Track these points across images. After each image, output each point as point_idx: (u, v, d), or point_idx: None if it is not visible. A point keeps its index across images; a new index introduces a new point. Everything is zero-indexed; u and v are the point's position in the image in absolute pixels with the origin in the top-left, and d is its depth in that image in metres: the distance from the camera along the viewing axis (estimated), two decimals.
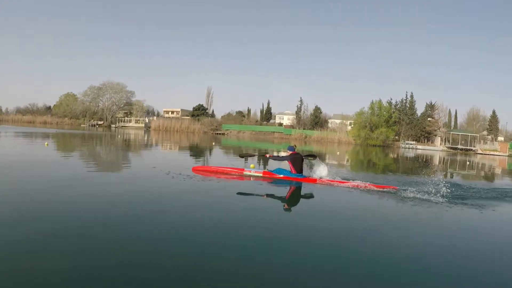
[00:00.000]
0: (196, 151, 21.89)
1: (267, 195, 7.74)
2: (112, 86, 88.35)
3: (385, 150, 43.90)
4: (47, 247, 3.74)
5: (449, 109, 70.96)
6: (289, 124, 76.12)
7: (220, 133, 70.25)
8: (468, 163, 29.05)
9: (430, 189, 8.42)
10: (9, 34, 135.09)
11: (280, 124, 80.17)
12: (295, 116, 76.53)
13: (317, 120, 67.90)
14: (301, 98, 77.52)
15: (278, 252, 4.05)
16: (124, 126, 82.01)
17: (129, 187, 7.57)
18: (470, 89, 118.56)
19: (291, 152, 9.90)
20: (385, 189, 8.80)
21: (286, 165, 10.16)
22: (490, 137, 66.43)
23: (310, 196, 8.10)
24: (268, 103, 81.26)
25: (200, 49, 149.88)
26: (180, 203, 6.31)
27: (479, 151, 56.86)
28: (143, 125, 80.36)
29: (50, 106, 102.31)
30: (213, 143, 32.82)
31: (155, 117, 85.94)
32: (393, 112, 60.34)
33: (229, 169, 10.36)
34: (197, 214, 5.51)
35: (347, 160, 22.99)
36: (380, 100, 60.86)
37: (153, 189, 7.47)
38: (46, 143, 17.66)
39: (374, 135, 56.74)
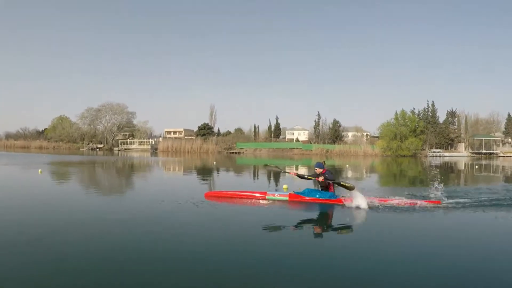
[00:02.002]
0: (213, 173, 20.05)
1: (297, 225, 6.40)
2: (112, 107, 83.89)
3: (416, 160, 42.54)
4: None
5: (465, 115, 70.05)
6: (306, 139, 73.45)
7: (234, 152, 66.77)
8: (497, 167, 29.25)
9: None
10: None
11: (292, 140, 77.43)
12: (308, 131, 74.10)
13: (337, 134, 65.42)
14: (318, 112, 74.06)
15: None
16: (128, 149, 77.39)
17: (127, 216, 6.75)
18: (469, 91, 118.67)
19: (321, 169, 8.50)
20: (427, 204, 8.03)
21: (311, 184, 9.06)
22: (510, 139, 67.01)
23: (350, 220, 6.92)
24: (277, 119, 78.28)
25: (197, 68, 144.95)
26: (186, 240, 5.22)
27: (501, 154, 59.16)
28: (149, 147, 75.98)
29: (42, 130, 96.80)
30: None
31: (160, 138, 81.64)
32: (419, 121, 58.93)
33: (249, 194, 8.94)
34: (208, 255, 4.50)
35: (394, 175, 21.14)
36: (403, 110, 59.55)
37: (156, 222, 6.33)
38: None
39: (405, 146, 55.28)
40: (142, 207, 7.89)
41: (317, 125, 68.51)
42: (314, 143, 66.88)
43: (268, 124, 79.20)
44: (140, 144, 79.27)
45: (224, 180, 15.98)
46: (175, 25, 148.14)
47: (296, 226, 6.25)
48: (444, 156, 55.92)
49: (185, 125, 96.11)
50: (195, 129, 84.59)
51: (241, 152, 66.73)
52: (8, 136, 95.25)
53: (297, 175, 9.32)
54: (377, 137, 70.95)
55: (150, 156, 48.77)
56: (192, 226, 6.06)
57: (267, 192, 8.87)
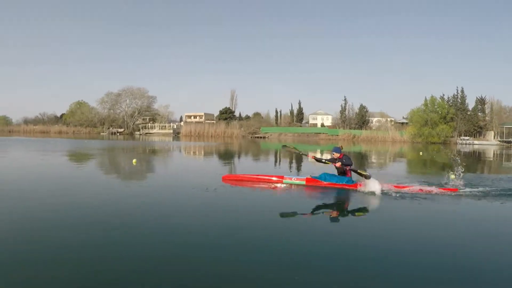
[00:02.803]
0: (235, 157, 19.94)
1: (312, 211, 6.27)
2: (132, 91, 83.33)
3: (446, 147, 41.59)
4: None
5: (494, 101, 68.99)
6: (329, 124, 72.97)
7: (259, 137, 66.51)
8: None
9: None
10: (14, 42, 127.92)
11: (315, 125, 76.98)
12: (331, 116, 73.46)
13: (364, 119, 64.89)
14: (345, 97, 73.47)
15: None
16: (149, 133, 77.27)
17: (145, 199, 6.72)
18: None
19: (339, 154, 8.44)
20: (445, 192, 7.83)
21: (332, 168, 8.80)
22: None
23: (364, 206, 6.90)
24: (299, 103, 77.81)
25: (219, 50, 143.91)
26: (202, 221, 5.17)
27: None
28: (171, 131, 75.84)
29: (60, 115, 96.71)
30: (281, 150, 29.17)
31: (182, 123, 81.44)
32: (449, 108, 58.14)
33: (266, 177, 8.91)
34: (224, 236, 4.48)
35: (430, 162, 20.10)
36: (433, 96, 58.78)
37: (169, 204, 6.43)
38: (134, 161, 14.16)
39: (435, 133, 54.68)
40: (164, 190, 7.91)
41: (343, 110, 67.90)
42: (340, 128, 66.37)
43: (290, 108, 78.85)
44: (161, 129, 79.08)
45: (246, 164, 15.88)
46: (194, 11, 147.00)
47: (311, 212, 6.14)
48: (473, 144, 55.32)
49: (204, 109, 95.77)
50: (216, 113, 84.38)
51: (266, 136, 66.47)
52: (26, 122, 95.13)
53: (315, 158, 9.15)
54: (403, 123, 70.40)
55: (172, 140, 48.35)
56: (207, 209, 5.99)
57: (284, 176, 8.85)
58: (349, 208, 6.86)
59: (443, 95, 61.20)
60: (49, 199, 6.48)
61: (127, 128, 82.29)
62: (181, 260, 3.62)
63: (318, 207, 6.67)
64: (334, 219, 5.81)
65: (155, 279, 3.14)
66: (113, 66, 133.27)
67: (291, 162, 16.02)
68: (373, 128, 66.46)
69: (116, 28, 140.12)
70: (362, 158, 20.16)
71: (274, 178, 8.80)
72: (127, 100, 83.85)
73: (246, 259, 3.71)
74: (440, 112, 56.90)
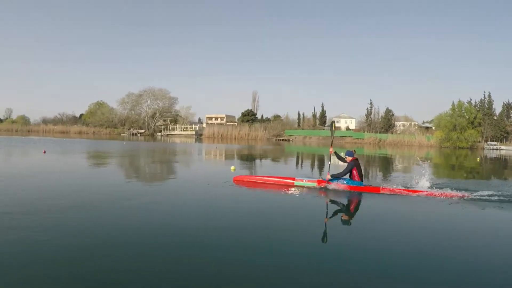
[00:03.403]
0: (257, 160, 19.80)
1: (321, 213, 6.58)
2: (153, 92, 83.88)
3: (474, 153, 41.43)
4: None
5: None
6: (353, 128, 73.08)
7: (283, 139, 66.72)
8: None
9: None
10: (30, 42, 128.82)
11: (338, 128, 77.03)
12: (354, 119, 73.51)
13: (390, 123, 64.97)
14: (371, 100, 73.12)
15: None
16: (170, 135, 77.62)
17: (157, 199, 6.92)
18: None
19: (351, 158, 8.54)
20: (454, 197, 7.77)
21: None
22: None
23: (375, 208, 6.99)
24: (322, 106, 77.96)
25: (241, 52, 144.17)
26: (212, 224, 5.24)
27: None
28: (193, 133, 76.16)
29: (79, 115, 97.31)
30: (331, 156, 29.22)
31: (204, 124, 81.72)
32: (477, 113, 58.09)
33: (277, 179, 9.01)
34: (232, 238, 4.57)
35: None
36: (460, 101, 58.74)
37: (180, 204, 6.63)
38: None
39: (463, 137, 54.68)
40: (180, 190, 8.24)
41: (369, 113, 67.98)
42: (366, 131, 66.47)
43: (313, 111, 78.94)
44: (183, 130, 79.41)
45: (266, 166, 16.00)
46: (211, 12, 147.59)
47: (322, 214, 6.32)
48: (500, 149, 55.22)
49: (225, 111, 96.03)
50: (237, 115, 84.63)
51: (291, 139, 66.68)
52: (45, 121, 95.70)
53: (335, 153, 9.20)
54: (427, 127, 70.43)
55: (195, 142, 48.11)
56: (214, 210, 6.12)
57: (296, 178, 8.89)
58: (358, 210, 7.02)
59: (470, 99, 61.18)
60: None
61: (147, 129, 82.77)
62: (178, 260, 3.69)
63: (326, 210, 6.87)
64: (343, 221, 5.92)
65: (155, 279, 3.23)
66: (128, 67, 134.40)
67: (312, 165, 16.13)
68: (398, 132, 66.44)
69: (131, 28, 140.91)
70: (436, 168, 20.08)
71: (285, 180, 8.89)
72: (148, 101, 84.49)
73: (245, 260, 3.78)
74: (468, 117, 56.85)
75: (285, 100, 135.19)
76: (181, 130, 79.41)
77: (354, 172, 8.41)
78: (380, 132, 65.12)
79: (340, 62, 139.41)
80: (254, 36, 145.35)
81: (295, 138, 67.09)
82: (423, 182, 8.76)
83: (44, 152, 18.13)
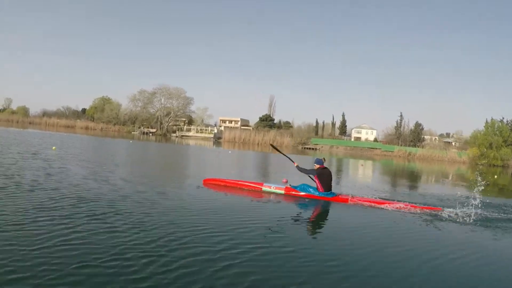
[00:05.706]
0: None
1: (285, 221, 6.40)
2: (168, 91, 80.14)
3: (508, 171, 41.13)
4: None
5: None
6: (374, 139, 72.16)
7: (309, 148, 64.87)
8: None
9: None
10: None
11: (358, 139, 76.07)
12: (375, 130, 72.66)
13: (419, 137, 64.33)
14: (401, 113, 71.26)
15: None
16: (185, 136, 74.43)
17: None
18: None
19: (318, 166, 8.40)
20: (427, 211, 7.80)
21: (311, 180, 8.73)
22: None
23: (339, 219, 7.05)
24: (343, 115, 76.63)
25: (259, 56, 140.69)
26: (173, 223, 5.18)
27: None
28: (212, 135, 73.22)
29: (82, 110, 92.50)
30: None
31: (222, 127, 78.86)
32: (510, 132, 58.46)
33: (246, 183, 9.07)
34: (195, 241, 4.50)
35: None
36: (493, 119, 59.14)
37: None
38: None
39: (499, 155, 54.99)
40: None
41: (398, 126, 67.13)
42: (394, 144, 65.61)
43: (332, 120, 77.57)
44: (199, 132, 76.32)
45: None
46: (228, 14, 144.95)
47: (285, 222, 6.27)
48: None
49: (240, 114, 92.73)
50: (250, 119, 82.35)
51: (317, 148, 64.89)
52: (46, 114, 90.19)
53: (298, 167, 8.88)
54: (450, 142, 70.35)
55: (214, 146, 45.50)
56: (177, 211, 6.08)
57: (264, 184, 8.92)
58: (323, 219, 7.08)
59: (503, 118, 61.58)
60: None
61: (160, 128, 79.08)
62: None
63: (292, 217, 6.76)
64: (307, 231, 5.91)
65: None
66: (136, 63, 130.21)
67: None
68: (425, 146, 65.94)
69: (147, 25, 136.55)
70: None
71: (253, 185, 8.90)
72: (162, 99, 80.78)
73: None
74: (503, 136, 57.25)
75: (298, 107, 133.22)
76: (196, 132, 76.27)
77: (317, 181, 8.29)
78: (408, 146, 64.41)
79: (362, 71, 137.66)
80: (280, 40, 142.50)
81: (322, 147, 65.32)
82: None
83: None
